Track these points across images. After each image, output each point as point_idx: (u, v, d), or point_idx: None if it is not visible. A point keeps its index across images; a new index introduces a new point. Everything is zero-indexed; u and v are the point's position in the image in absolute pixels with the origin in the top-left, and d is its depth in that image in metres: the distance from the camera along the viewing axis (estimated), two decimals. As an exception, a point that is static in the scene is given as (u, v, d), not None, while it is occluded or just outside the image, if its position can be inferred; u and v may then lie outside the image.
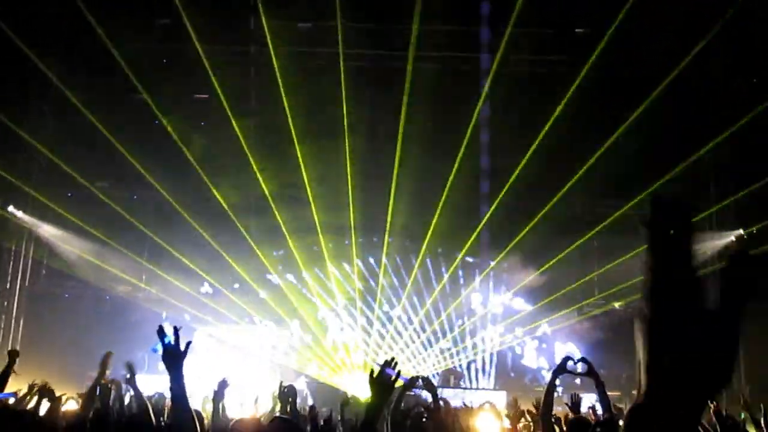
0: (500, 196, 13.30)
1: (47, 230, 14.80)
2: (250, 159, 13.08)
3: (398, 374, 2.90)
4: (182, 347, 3.09)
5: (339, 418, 6.36)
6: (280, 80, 12.11)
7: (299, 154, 13.03)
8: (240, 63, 13.46)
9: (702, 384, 1.08)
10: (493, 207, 13.58)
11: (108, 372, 5.47)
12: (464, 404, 7.72)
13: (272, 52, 12.05)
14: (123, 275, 14.99)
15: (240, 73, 13.36)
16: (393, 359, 2.97)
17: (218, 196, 13.43)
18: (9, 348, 13.81)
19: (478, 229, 14.30)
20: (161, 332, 3.10)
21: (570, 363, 4.97)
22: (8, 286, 14.95)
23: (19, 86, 12.94)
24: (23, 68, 12.36)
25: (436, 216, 13.66)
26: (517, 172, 12.83)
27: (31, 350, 14.14)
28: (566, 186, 13.10)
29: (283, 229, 14.03)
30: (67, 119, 13.02)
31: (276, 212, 13.71)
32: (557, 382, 4.96)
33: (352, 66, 12.47)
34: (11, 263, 14.95)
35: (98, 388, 4.84)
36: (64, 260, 14.88)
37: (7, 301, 14.90)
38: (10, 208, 14.44)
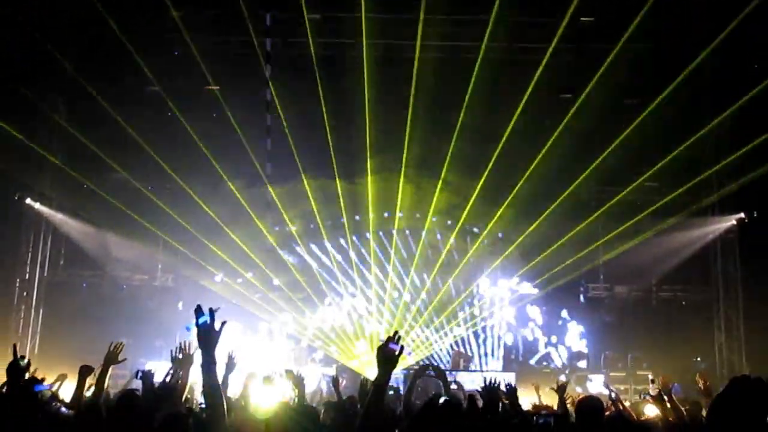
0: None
1: (64, 221, 15.11)
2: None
3: (402, 348, 2.89)
4: (217, 327, 3.04)
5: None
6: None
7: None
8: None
9: None
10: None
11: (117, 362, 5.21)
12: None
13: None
14: (140, 264, 15.31)
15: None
16: (396, 333, 2.95)
17: (231, 186, 13.64)
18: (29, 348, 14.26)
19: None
20: (198, 311, 3.03)
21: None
22: (27, 276, 15.30)
23: (37, 78, 13.09)
24: (39, 59, 12.59)
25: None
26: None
27: (50, 339, 14.57)
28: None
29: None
30: (83, 109, 13.19)
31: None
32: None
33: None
34: (29, 253, 15.29)
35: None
36: (81, 250, 15.19)
37: (26, 291, 15.26)
38: (28, 200, 14.75)
